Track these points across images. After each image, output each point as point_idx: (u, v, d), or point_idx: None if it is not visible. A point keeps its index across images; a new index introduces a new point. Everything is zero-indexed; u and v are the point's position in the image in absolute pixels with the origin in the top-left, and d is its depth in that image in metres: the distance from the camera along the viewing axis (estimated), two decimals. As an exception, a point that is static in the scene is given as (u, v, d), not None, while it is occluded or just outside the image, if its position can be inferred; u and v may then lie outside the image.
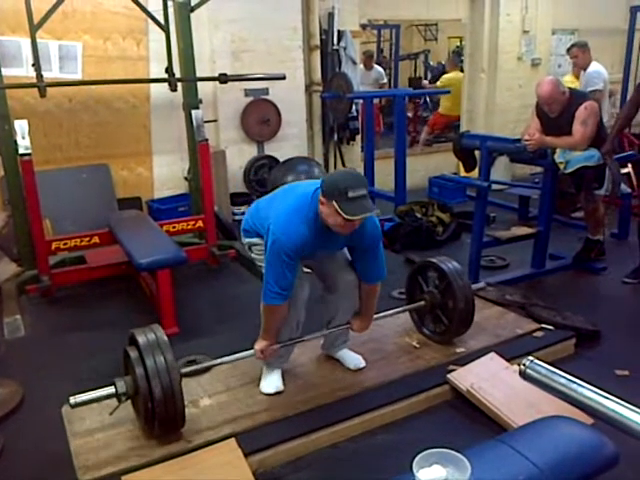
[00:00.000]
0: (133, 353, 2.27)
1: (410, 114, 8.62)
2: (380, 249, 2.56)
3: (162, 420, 2.21)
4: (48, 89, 3.78)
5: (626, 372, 2.85)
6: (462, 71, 7.53)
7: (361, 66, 7.23)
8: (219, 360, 2.53)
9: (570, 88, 3.98)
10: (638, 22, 6.95)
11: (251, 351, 2.54)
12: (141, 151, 5.15)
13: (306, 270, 2.67)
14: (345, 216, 2.16)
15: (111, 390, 2.24)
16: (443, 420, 2.58)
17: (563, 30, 7.48)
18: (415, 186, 6.22)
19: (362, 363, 2.79)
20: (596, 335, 3.19)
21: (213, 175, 4.40)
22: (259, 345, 2.52)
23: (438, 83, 8.24)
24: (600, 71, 5.22)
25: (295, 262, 2.37)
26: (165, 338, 2.31)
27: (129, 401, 2.35)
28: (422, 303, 3.00)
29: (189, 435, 2.34)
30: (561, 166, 3.88)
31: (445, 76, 8.10)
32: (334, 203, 2.17)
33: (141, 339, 2.27)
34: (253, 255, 2.64)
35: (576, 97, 3.84)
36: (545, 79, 3.92)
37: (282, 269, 2.34)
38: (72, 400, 2.18)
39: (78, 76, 4.69)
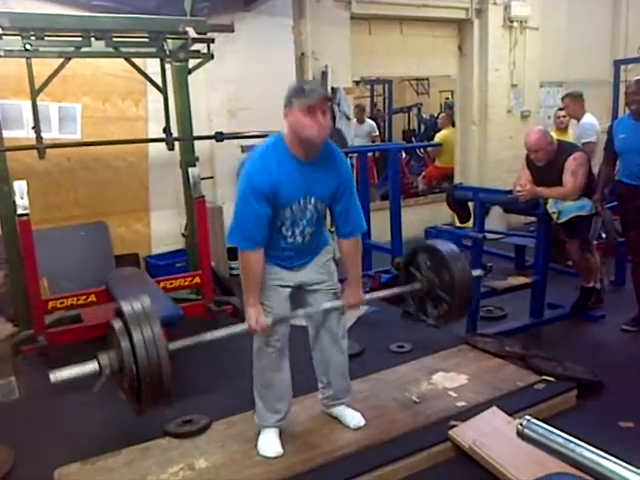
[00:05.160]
0: (118, 324, 2.11)
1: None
2: (356, 196, 2.52)
3: (149, 398, 2.07)
4: (48, 149, 3.86)
5: (630, 424, 2.81)
6: (454, 126, 7.70)
7: (354, 120, 7.40)
8: (208, 335, 2.35)
9: (558, 140, 4.08)
10: (622, 74, 7.18)
11: (244, 325, 2.39)
12: (139, 208, 5.21)
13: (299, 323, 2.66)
14: (306, 102, 2.22)
15: (94, 366, 2.08)
16: (446, 479, 2.51)
17: (550, 83, 7.71)
18: (411, 237, 6.24)
19: (362, 421, 2.74)
20: (598, 385, 3.15)
21: (210, 231, 4.43)
22: (249, 314, 2.37)
23: (436, 140, 8.41)
24: (594, 123, 5.29)
25: (268, 207, 2.27)
26: (153, 310, 2.15)
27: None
28: (418, 285, 2.81)
29: (185, 500, 2.29)
30: (554, 216, 3.92)
31: (440, 133, 8.26)
32: (293, 105, 2.26)
33: (127, 309, 2.11)
34: None
35: (564, 148, 3.94)
36: (533, 129, 4.04)
37: (255, 211, 2.26)
38: (52, 377, 2.03)
39: (77, 136, 4.79)
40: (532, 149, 3.88)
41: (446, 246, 2.80)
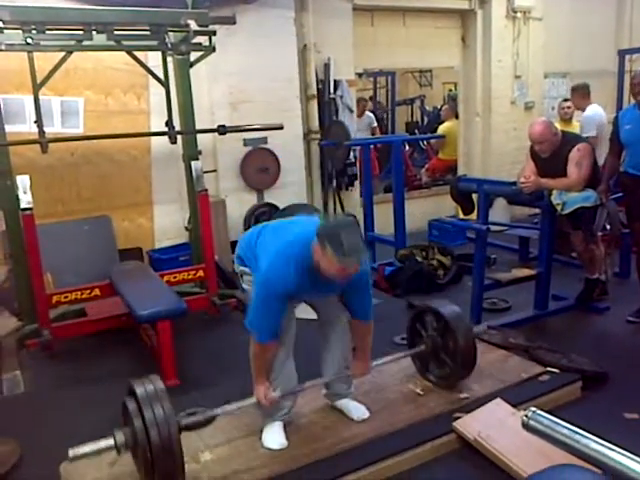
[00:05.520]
0: (131, 404, 2.22)
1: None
2: (370, 288, 2.57)
3: (161, 472, 2.14)
4: (50, 144, 3.86)
5: (635, 415, 2.80)
6: (457, 118, 7.67)
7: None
8: (219, 410, 2.48)
9: (563, 131, 4.05)
10: (627, 64, 7.13)
11: (253, 399, 2.50)
12: (142, 202, 5.20)
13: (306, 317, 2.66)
14: (339, 265, 2.17)
15: (110, 442, 2.18)
16: (451, 470, 2.51)
17: (554, 74, 7.66)
18: (415, 229, 6.25)
19: (366, 414, 2.74)
20: (603, 377, 3.14)
21: (213, 224, 4.43)
22: (258, 392, 2.49)
23: (439, 132, 8.37)
24: (598, 114, 5.24)
25: (284, 304, 2.37)
26: (163, 388, 2.26)
27: (129, 453, 2.29)
28: (422, 347, 2.97)
29: (190, 493, 2.29)
30: (558, 207, 3.89)
31: (444, 125, 8.20)
32: (328, 250, 2.17)
33: (139, 390, 2.22)
34: (243, 285, 2.63)
35: (568, 139, 3.91)
36: (537, 120, 4.02)
37: (270, 309, 2.34)
38: (71, 453, 2.11)
39: (80, 130, 4.78)
40: (536, 140, 3.86)
41: (449, 309, 2.92)
